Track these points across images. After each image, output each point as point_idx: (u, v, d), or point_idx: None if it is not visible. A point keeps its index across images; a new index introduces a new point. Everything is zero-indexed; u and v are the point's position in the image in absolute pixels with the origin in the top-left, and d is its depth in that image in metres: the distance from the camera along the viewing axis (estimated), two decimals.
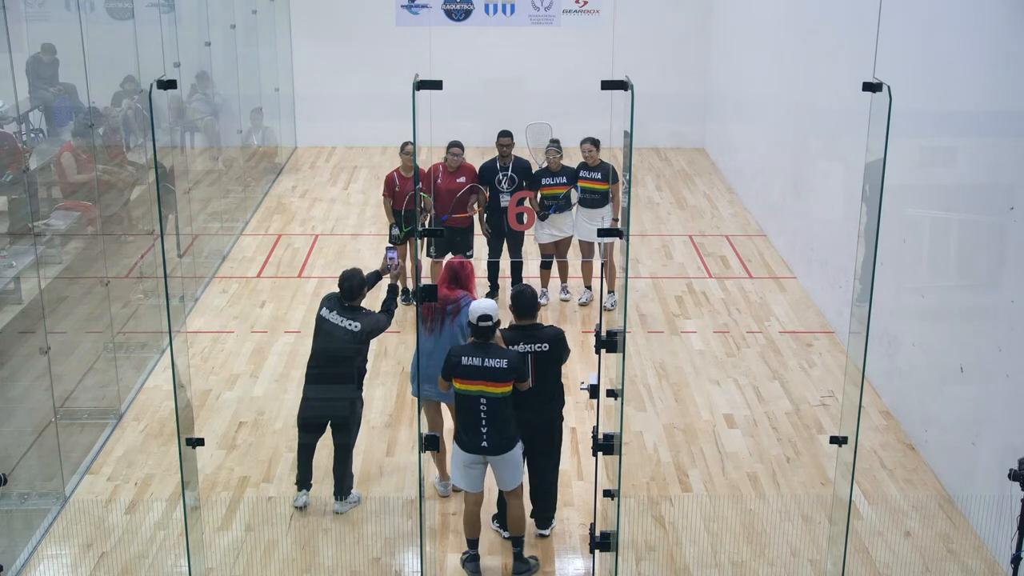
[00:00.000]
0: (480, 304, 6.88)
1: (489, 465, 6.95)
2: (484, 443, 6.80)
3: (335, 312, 7.55)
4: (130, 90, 11.74)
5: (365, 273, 7.75)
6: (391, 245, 10.33)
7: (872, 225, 5.87)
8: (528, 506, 7.45)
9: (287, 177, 15.64)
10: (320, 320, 7.61)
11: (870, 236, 5.91)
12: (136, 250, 10.75)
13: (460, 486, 7.05)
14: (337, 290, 7.68)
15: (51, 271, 9.54)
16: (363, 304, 7.69)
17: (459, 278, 7.68)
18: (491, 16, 16.37)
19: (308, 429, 7.76)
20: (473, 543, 7.10)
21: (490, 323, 6.82)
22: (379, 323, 7.60)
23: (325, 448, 7.86)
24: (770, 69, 13.38)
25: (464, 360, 6.77)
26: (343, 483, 7.67)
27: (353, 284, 7.56)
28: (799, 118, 12.02)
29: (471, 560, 7.09)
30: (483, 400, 6.74)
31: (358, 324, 7.48)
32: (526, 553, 7.15)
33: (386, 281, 8.17)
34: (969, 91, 7.83)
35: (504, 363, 6.75)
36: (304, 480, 7.76)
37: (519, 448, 6.94)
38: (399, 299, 10.86)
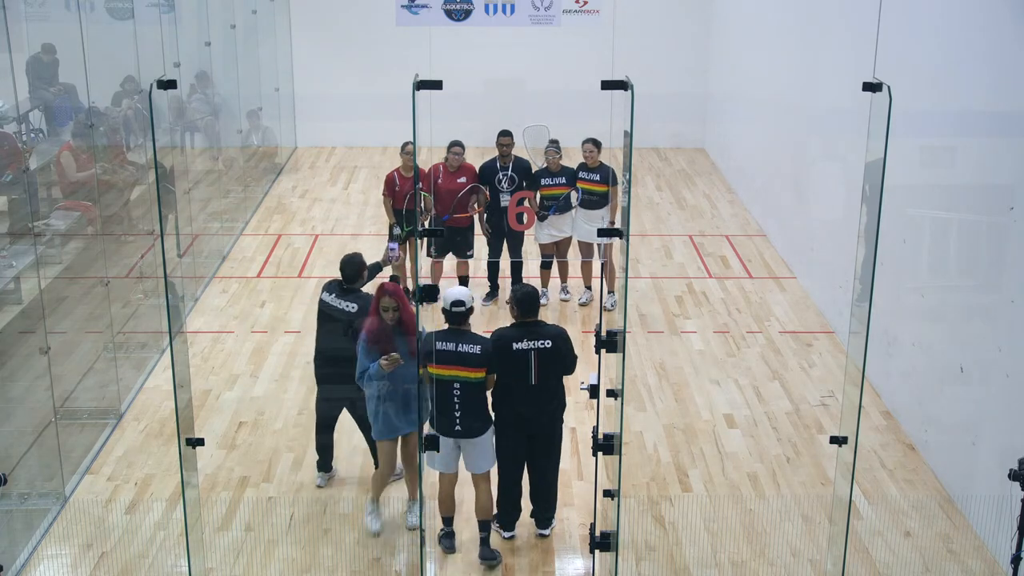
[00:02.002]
0: (452, 290, 7.13)
1: (461, 449, 7.15)
2: (458, 427, 6.99)
3: (334, 295, 7.70)
4: (130, 90, 11.74)
5: (368, 263, 7.87)
6: (393, 237, 10.41)
7: (872, 225, 5.87)
8: (528, 506, 7.46)
9: (287, 177, 15.64)
10: (321, 304, 7.78)
11: (870, 236, 5.91)
12: (136, 250, 10.75)
13: (434, 467, 7.20)
14: (338, 277, 7.85)
15: (51, 271, 9.54)
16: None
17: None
18: (491, 16, 16.34)
19: (323, 416, 7.99)
20: (448, 520, 7.30)
21: (463, 308, 7.04)
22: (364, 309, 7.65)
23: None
24: (770, 69, 13.38)
25: (438, 345, 6.95)
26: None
27: (353, 268, 7.72)
28: (799, 118, 12.02)
29: (447, 537, 7.28)
30: (456, 385, 6.92)
31: (355, 305, 7.59)
32: (528, 555, 7.16)
33: (386, 272, 8.28)
34: (969, 91, 7.83)
35: (477, 349, 6.96)
36: (325, 464, 7.99)
37: (491, 433, 7.12)
38: None
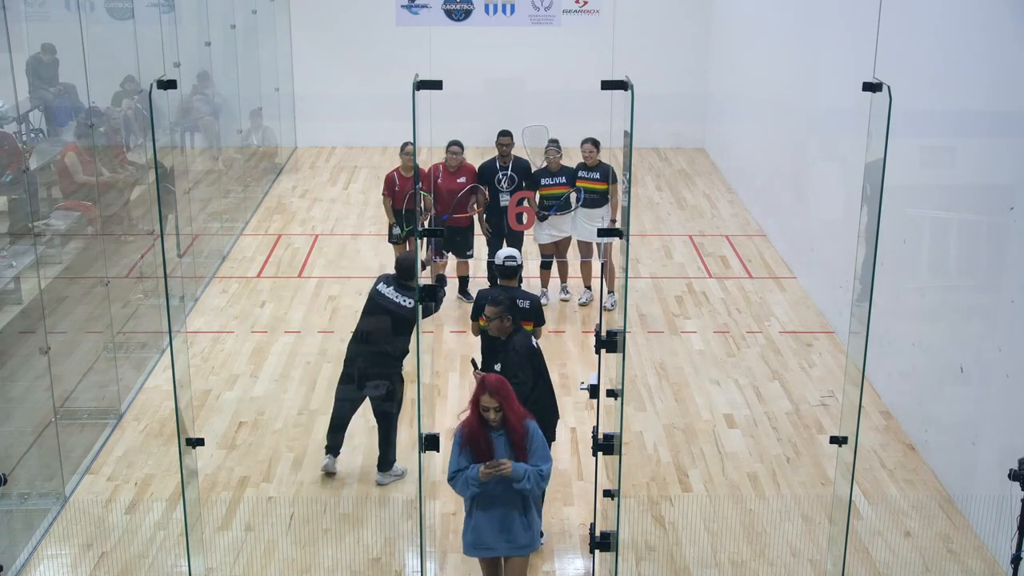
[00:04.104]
0: (504, 249, 7.78)
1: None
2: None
3: (392, 288, 7.89)
4: (130, 90, 11.73)
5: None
6: (393, 237, 10.47)
7: (872, 225, 5.87)
8: None
9: (287, 177, 15.64)
10: (375, 294, 7.93)
11: (870, 236, 5.91)
12: (136, 250, 10.75)
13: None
14: (384, 273, 8.16)
15: (51, 271, 9.54)
16: None
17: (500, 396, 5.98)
18: (491, 16, 16.35)
19: (345, 401, 8.08)
20: None
21: (515, 263, 7.65)
22: (427, 308, 7.91)
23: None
24: (770, 69, 13.38)
25: (491, 300, 7.33)
26: (387, 455, 7.91)
27: (410, 264, 7.92)
28: (799, 118, 12.02)
29: None
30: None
31: (411, 301, 7.76)
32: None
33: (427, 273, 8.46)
34: (969, 91, 7.83)
35: (527, 304, 7.63)
36: (334, 447, 8.04)
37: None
38: None
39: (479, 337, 7.82)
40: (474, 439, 5.97)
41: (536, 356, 7.11)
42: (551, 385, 7.24)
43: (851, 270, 7.15)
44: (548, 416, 7.11)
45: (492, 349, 7.19)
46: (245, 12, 14.78)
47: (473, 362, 7.41)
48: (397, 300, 7.83)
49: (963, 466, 7.73)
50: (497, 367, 7.00)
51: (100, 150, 10.77)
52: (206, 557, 6.98)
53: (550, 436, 7.16)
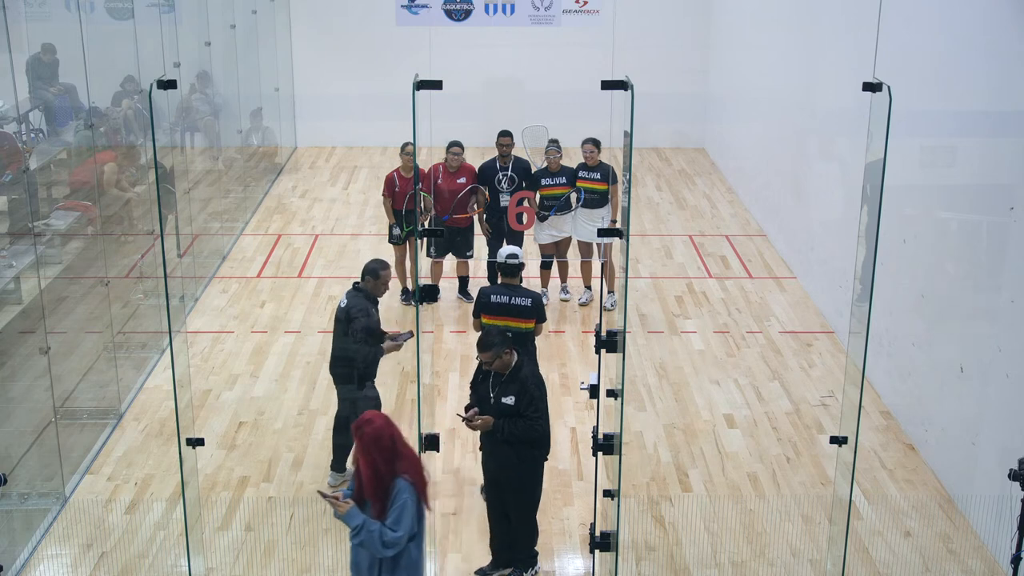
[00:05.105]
0: (506, 247, 7.93)
1: None
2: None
3: (347, 291, 7.87)
4: (130, 90, 11.73)
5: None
6: (393, 237, 10.38)
7: (872, 225, 5.88)
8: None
9: (287, 177, 15.64)
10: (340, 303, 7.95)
11: (870, 236, 5.91)
12: (136, 250, 10.75)
13: None
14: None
15: (51, 271, 9.54)
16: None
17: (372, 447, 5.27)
18: (491, 16, 16.37)
19: (342, 400, 8.10)
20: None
21: (516, 260, 7.86)
22: (361, 324, 7.55)
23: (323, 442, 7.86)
24: (770, 69, 13.38)
25: (493, 298, 7.73)
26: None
27: (370, 266, 7.79)
28: (799, 118, 12.02)
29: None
30: (508, 333, 7.15)
31: (346, 302, 7.73)
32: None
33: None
34: (969, 91, 7.83)
35: (528, 302, 7.75)
36: (339, 464, 8.02)
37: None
38: (400, 299, 10.89)
39: (477, 333, 7.70)
40: (356, 472, 5.39)
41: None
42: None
43: (851, 270, 7.17)
44: (540, 448, 6.89)
45: (487, 372, 6.84)
46: (245, 12, 14.77)
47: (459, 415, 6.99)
48: (341, 303, 7.77)
49: (963, 466, 7.73)
50: (507, 400, 6.71)
51: (100, 150, 10.77)
52: (206, 557, 6.98)
53: (539, 463, 6.91)
